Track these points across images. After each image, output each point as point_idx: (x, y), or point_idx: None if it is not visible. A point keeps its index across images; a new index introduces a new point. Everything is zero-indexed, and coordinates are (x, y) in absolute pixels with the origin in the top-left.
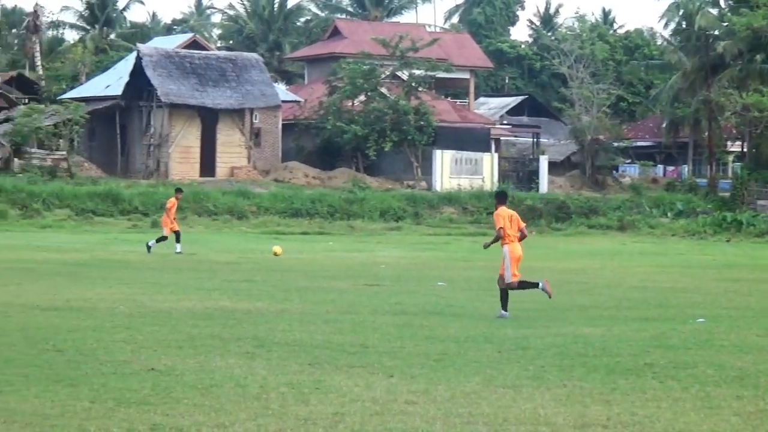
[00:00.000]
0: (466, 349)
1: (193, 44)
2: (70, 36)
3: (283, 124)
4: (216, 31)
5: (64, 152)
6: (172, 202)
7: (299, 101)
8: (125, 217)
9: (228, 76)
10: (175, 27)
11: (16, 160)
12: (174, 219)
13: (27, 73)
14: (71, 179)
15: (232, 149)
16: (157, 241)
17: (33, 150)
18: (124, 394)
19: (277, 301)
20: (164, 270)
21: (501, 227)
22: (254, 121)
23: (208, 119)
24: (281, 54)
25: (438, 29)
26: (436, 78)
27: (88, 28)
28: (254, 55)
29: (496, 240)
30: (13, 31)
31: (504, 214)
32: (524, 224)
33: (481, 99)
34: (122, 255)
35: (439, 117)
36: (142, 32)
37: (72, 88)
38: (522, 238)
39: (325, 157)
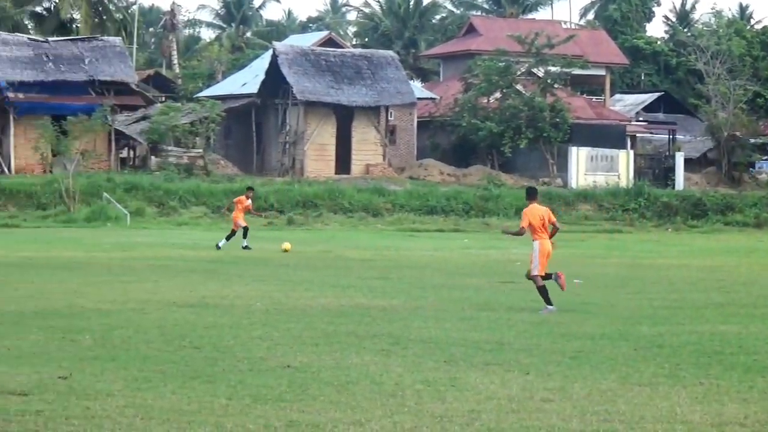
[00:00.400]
0: (602, 347)
1: (329, 42)
2: (207, 34)
3: (418, 122)
4: (351, 29)
5: (201, 150)
6: (240, 199)
7: (434, 98)
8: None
9: (363, 74)
10: (310, 25)
11: (153, 158)
12: (244, 213)
13: (164, 71)
14: (207, 177)
15: (367, 147)
16: (227, 239)
17: (170, 148)
18: (260, 391)
19: (412, 298)
20: (299, 267)
21: (523, 227)
22: (389, 118)
23: (344, 117)
24: (416, 51)
25: (573, 26)
26: (571, 75)
27: (225, 26)
28: (389, 53)
29: (515, 235)
30: (150, 30)
31: (532, 212)
32: (555, 219)
33: (617, 96)
34: (258, 252)
35: (575, 114)
36: (278, 30)
37: (208, 86)
38: (553, 233)
39: (460, 154)
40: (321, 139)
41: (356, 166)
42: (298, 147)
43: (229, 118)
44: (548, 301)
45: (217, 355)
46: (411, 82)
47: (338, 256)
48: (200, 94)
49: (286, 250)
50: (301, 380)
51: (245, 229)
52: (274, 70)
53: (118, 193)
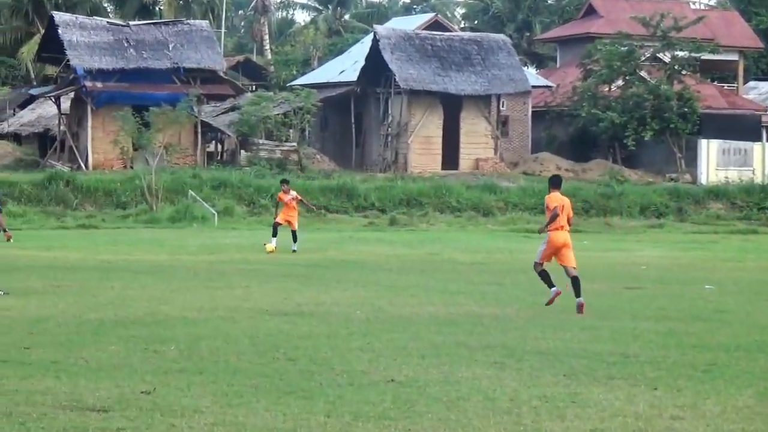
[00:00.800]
0: (737, 359)
1: (435, 25)
2: (301, 17)
3: (532, 112)
4: (459, 11)
5: (295, 143)
6: (279, 196)
7: (551, 86)
8: (361, 213)
9: (473, 60)
10: (414, 6)
11: (242, 152)
12: (286, 211)
13: (254, 57)
14: (302, 173)
15: (477, 139)
16: (294, 241)
17: (261, 141)
18: (362, 408)
19: (527, 305)
20: (403, 271)
21: (557, 206)
22: (501, 108)
23: (451, 107)
24: (531, 35)
25: (703, 6)
26: (701, 60)
27: (321, 8)
28: (501, 37)
29: (552, 220)
30: (240, 12)
31: (557, 200)
32: (572, 215)
33: (751, 83)
34: (357, 255)
35: (705, 103)
36: (379, 12)
37: (303, 73)
38: (568, 223)
39: (579, 147)
40: (426, 131)
41: (465, 161)
42: (401, 140)
43: (325, 108)
44: (550, 284)
45: (314, 368)
46: (525, 68)
47: (446, 259)
48: (294, 83)
49: (270, 252)
50: (407, 396)
51: (276, 227)
52: (375, 55)
53: (205, 191)
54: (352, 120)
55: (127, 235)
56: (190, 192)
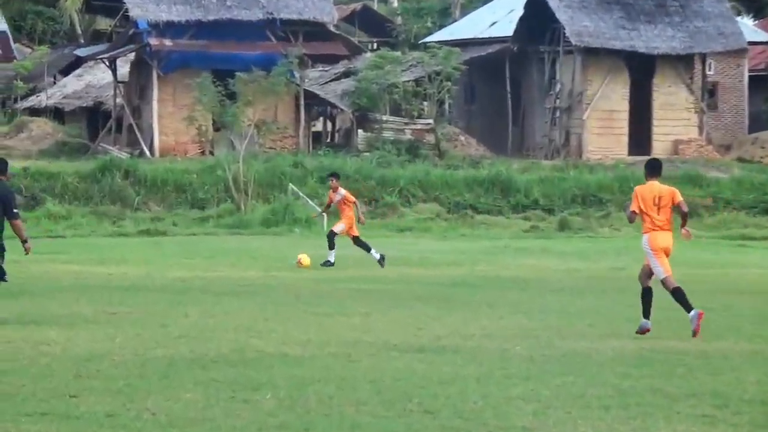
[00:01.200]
0: None
1: None
2: None
3: (750, 77)
4: None
5: (431, 121)
6: (329, 195)
7: None
8: (520, 214)
9: (668, 8)
10: None
11: (360, 132)
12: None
13: (375, 5)
14: (440, 160)
15: (675, 114)
16: (368, 251)
17: (385, 118)
18: None
19: (746, 338)
20: (577, 292)
21: (633, 211)
22: (708, 72)
23: (640, 71)
24: None
25: None
26: None
27: None
28: None
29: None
30: None
31: (645, 193)
32: (681, 199)
33: None
34: (516, 270)
35: None
36: None
37: (441, 26)
38: (683, 218)
39: None
40: (607, 103)
41: (659, 144)
42: (573, 115)
43: (471, 73)
44: (687, 308)
45: (460, 424)
46: (739, 18)
47: (634, 276)
48: (429, 39)
49: (302, 266)
50: None
51: (331, 236)
52: (537, 2)
53: (310, 185)
54: (508, 89)
55: (206, 244)
56: (290, 186)
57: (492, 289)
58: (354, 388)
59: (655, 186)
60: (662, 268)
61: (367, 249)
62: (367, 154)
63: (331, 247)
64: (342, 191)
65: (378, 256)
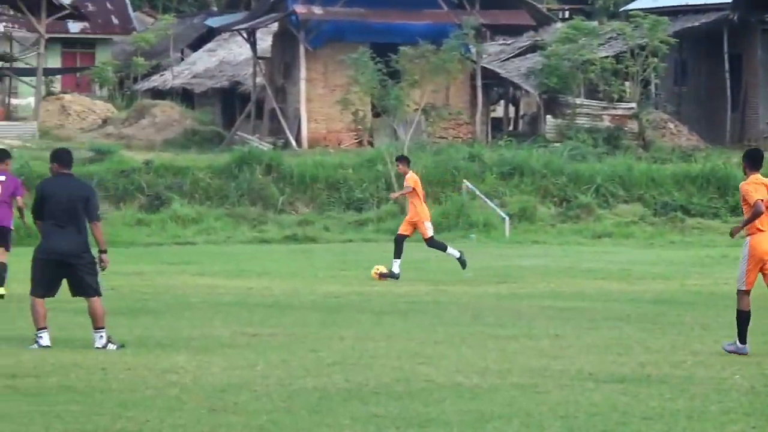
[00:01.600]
0: None
1: None
2: None
3: None
4: None
5: (634, 104)
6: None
7: None
8: (740, 217)
9: None
10: None
11: (548, 118)
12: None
13: None
14: (645, 151)
15: None
16: (397, 256)
17: (579, 101)
18: None
19: None
20: None
21: (757, 201)
22: None
23: None
24: None
25: None
26: None
27: None
28: None
29: (752, 219)
30: None
31: (756, 186)
32: None
33: None
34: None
35: None
36: None
37: None
38: None
39: None
40: None
41: None
42: None
43: (683, 48)
44: (742, 338)
45: None
46: None
47: None
48: (632, 6)
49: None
50: None
51: (432, 243)
52: None
53: (489, 181)
54: (726, 68)
55: (365, 253)
56: (465, 183)
57: (706, 307)
58: (541, 425)
59: (759, 180)
60: (746, 275)
61: (398, 255)
62: (557, 144)
63: (444, 249)
64: (409, 177)
65: (398, 271)
